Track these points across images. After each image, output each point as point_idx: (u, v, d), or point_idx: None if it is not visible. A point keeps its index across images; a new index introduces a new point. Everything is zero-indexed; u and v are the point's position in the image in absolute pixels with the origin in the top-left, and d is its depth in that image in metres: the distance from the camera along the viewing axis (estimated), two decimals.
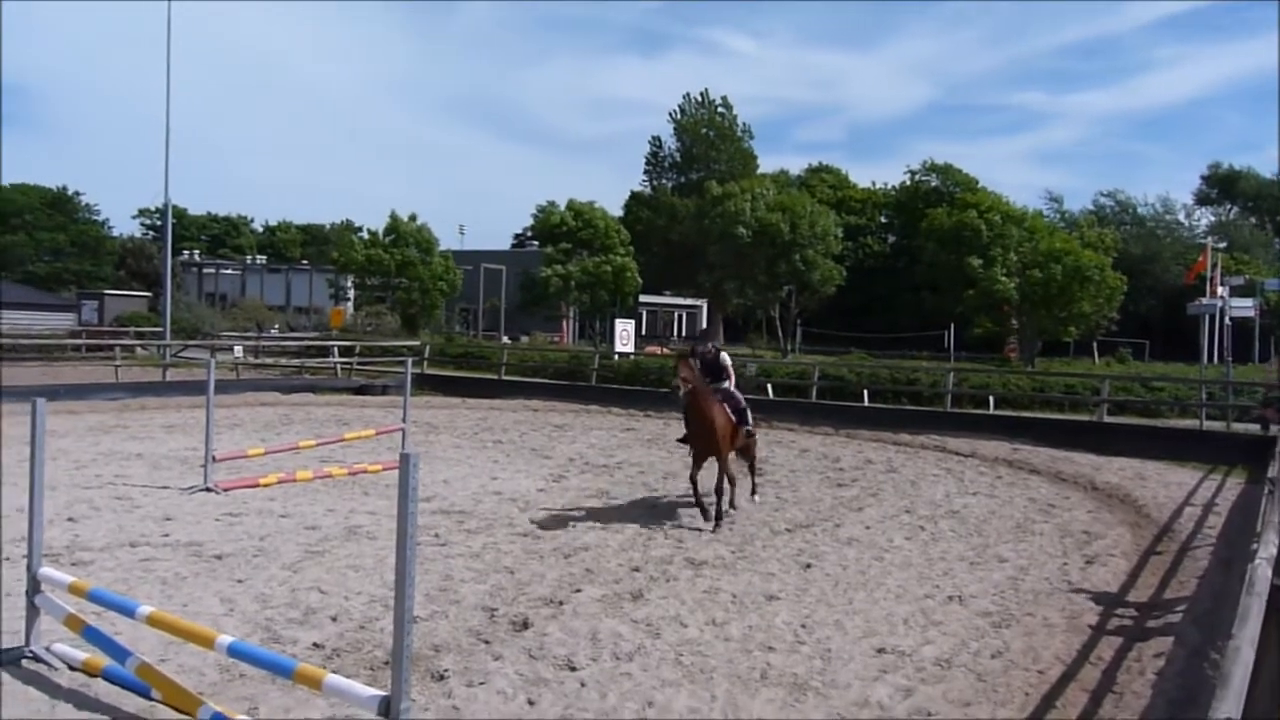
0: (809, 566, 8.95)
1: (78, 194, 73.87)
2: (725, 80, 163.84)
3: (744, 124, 68.89)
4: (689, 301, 68.42)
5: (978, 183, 63.27)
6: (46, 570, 5.88)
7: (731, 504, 11.23)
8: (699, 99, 68.14)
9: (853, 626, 7.18)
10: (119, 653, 5.24)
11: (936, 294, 50.65)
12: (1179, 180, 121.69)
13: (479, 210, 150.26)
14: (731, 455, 11.16)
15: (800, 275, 48.73)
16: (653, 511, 11.39)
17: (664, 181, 68.86)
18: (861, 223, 69.58)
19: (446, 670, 5.90)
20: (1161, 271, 61.60)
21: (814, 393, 23.74)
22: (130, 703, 5.25)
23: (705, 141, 66.93)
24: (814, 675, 6.15)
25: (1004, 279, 45.13)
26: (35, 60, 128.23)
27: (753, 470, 12.21)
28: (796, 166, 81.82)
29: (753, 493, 11.99)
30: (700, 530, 10.37)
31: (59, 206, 71.21)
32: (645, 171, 70.34)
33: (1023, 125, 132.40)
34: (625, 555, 9.16)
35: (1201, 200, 76.94)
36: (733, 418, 10.85)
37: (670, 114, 68.73)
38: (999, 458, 17.07)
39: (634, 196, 69.21)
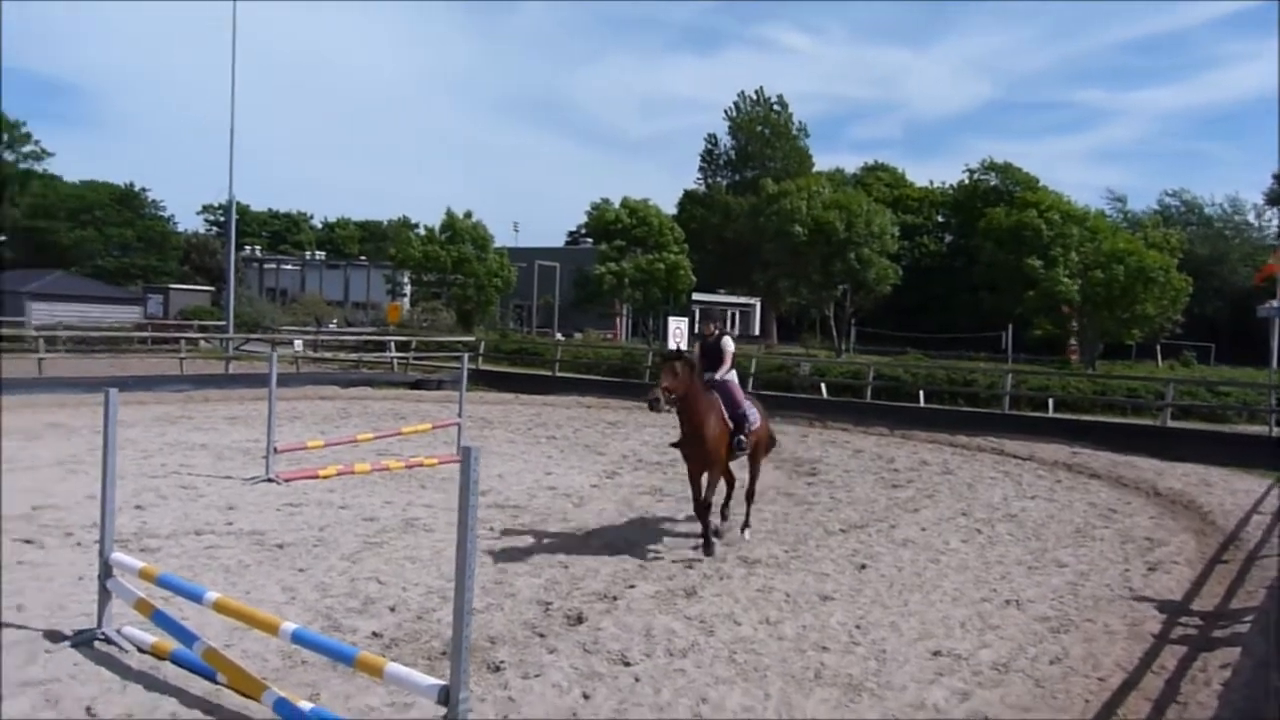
0: (864, 567, 8.89)
1: (144, 190, 75.79)
2: (780, 78, 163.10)
3: (799, 122, 68.61)
4: (742, 300, 68.22)
5: (1038, 181, 62.17)
6: (118, 555, 6.05)
7: (722, 514, 10.10)
8: (754, 97, 67.92)
9: (908, 628, 7.12)
10: (186, 637, 5.38)
11: (995, 294, 49.90)
12: (1248, 180, 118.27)
13: (534, 207, 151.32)
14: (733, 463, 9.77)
15: (855, 274, 48.30)
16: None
17: (719, 179, 68.75)
18: (918, 222, 68.80)
19: (502, 662, 5.97)
20: (1229, 273, 60.02)
21: (869, 393, 23.54)
22: (197, 686, 5.39)
23: (760, 139, 66.68)
24: (869, 676, 6.12)
25: (1065, 280, 44.31)
26: (103, 60, 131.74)
27: (751, 490, 10.37)
28: (852, 165, 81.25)
29: (744, 526, 10.08)
30: (755, 528, 10.33)
31: (126, 203, 73.05)
32: (700, 169, 70.33)
33: (1083, 123, 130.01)
34: (678, 552, 9.18)
35: (1272, 200, 74.66)
36: (728, 423, 9.24)
37: (725, 112, 68.67)
38: (1058, 461, 16.78)
39: (688, 194, 69.20)
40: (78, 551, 8.23)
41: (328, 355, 33.81)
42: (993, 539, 10.44)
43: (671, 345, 31.84)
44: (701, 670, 6.08)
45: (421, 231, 53.49)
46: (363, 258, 79.60)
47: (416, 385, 26.94)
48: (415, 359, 31.85)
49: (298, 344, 32.47)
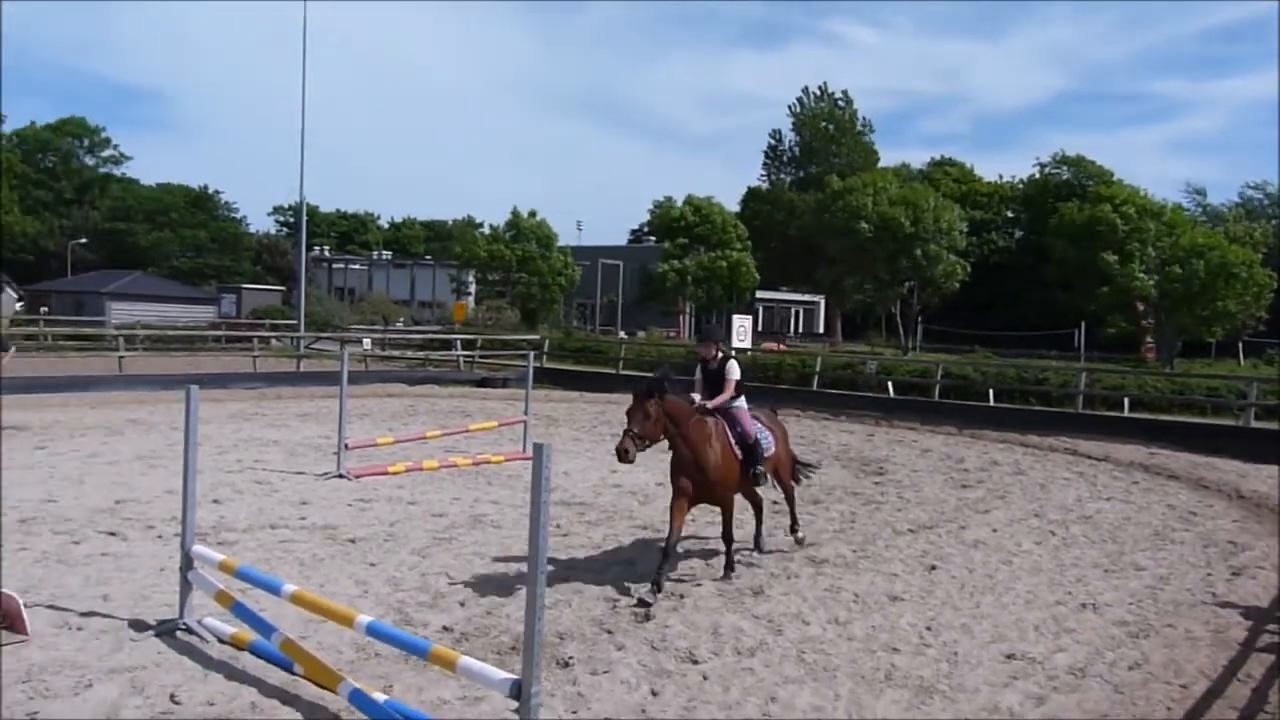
0: (934, 568, 8.76)
1: (218, 193, 77.86)
2: (845, 73, 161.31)
3: (864, 117, 67.96)
4: (806, 298, 67.74)
5: (1112, 175, 60.73)
6: (199, 548, 6.21)
7: (758, 546, 9.08)
8: (818, 92, 67.38)
9: (980, 631, 6.99)
10: (264, 628, 5.50)
11: (1067, 291, 48.83)
12: None
13: (597, 206, 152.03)
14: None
15: (922, 271, 47.67)
16: (771, 508, 11.29)
17: (782, 176, 68.36)
18: (987, 217, 67.65)
19: (571, 658, 5.99)
20: None
21: (936, 391, 23.20)
22: (274, 676, 5.51)
23: (825, 135, 66.13)
24: (940, 679, 6.02)
25: (1141, 276, 43.15)
26: (179, 67, 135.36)
27: (794, 517, 9.59)
28: (918, 160, 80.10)
29: (793, 528, 9.49)
30: (821, 528, 10.24)
31: (201, 205, 75.10)
32: (764, 166, 70.03)
33: (1162, 114, 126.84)
34: (743, 552, 9.13)
35: None
36: (737, 452, 8.14)
37: (789, 108, 68.30)
38: (1134, 462, 16.35)
39: (751, 191, 68.89)
40: (159, 544, 8.47)
41: (395, 354, 34.34)
42: (1067, 541, 10.20)
43: (735, 343, 31.81)
44: (770, 669, 6.04)
45: (486, 231, 54.07)
46: (428, 257, 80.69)
47: (482, 383, 27.25)
48: (480, 357, 32.20)
49: (366, 342, 33.03)
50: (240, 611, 5.74)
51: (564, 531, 9.55)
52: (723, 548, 8.30)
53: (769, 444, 8.57)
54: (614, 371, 28.91)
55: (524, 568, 8.05)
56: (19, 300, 53.11)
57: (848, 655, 6.35)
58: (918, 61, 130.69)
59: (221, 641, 6.00)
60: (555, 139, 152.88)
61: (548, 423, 18.93)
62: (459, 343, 32.81)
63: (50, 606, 6.58)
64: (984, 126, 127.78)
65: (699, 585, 7.78)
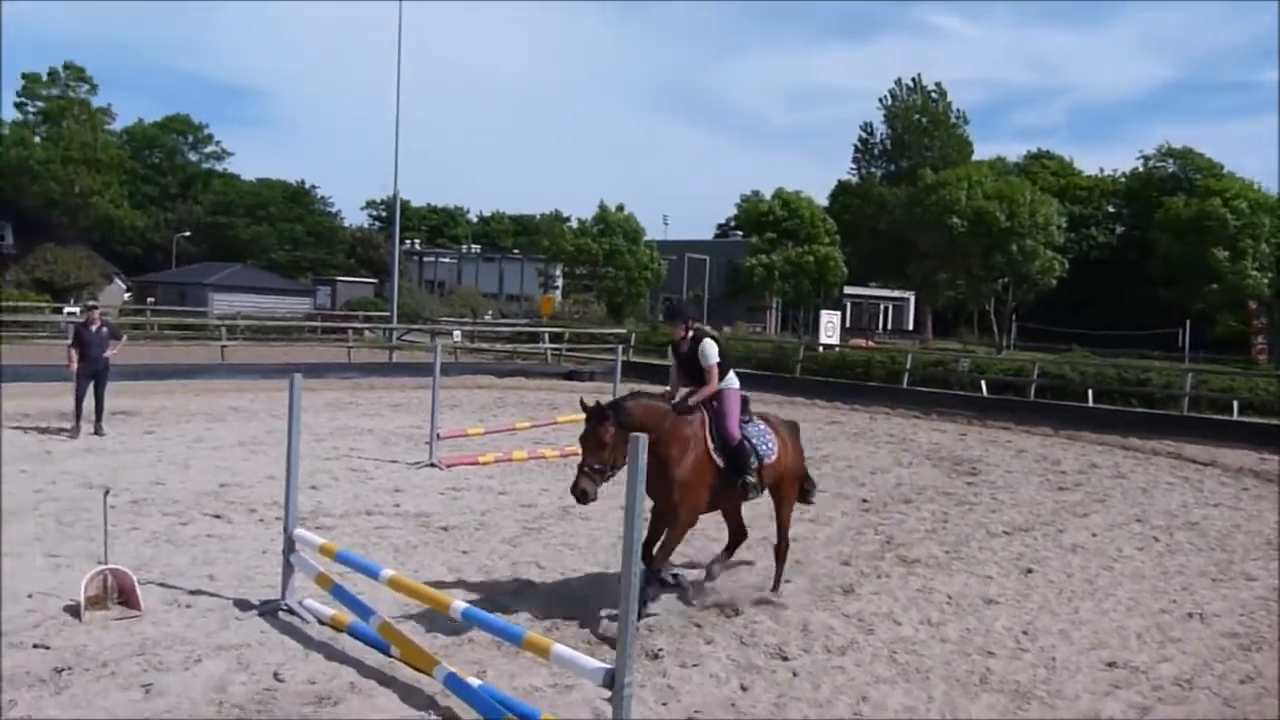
0: (1030, 572, 8.54)
1: (314, 188, 79.72)
2: (938, 64, 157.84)
3: (958, 109, 66.35)
4: (895, 294, 66.64)
5: (1222, 168, 58.30)
6: (300, 531, 6.40)
7: (709, 572, 7.43)
8: (910, 84, 66.09)
9: (1080, 637, 6.79)
10: (363, 611, 5.64)
11: (1171, 288, 47.08)
12: None
13: (683, 200, 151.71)
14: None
15: (1017, 267, 46.40)
16: (861, 506, 11.17)
17: (873, 170, 67.26)
18: (1086, 212, 65.60)
19: (661, 650, 6.01)
20: None
21: (1032, 391, 22.59)
22: (372, 658, 5.65)
23: (917, 128, 64.85)
24: (1038, 684, 5.87)
25: (1254, 273, 41.38)
26: (278, 65, 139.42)
27: (781, 546, 7.55)
28: (1014, 153, 77.91)
29: (774, 585, 7.51)
30: (913, 528, 10.07)
31: (298, 199, 77.07)
32: (854, 160, 68.94)
33: (1275, 104, 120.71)
34: (834, 549, 9.04)
35: None
36: (717, 460, 6.77)
37: (880, 100, 67.09)
38: (1244, 468, 15.67)
39: (841, 185, 67.96)
40: (260, 527, 8.75)
41: (484, 346, 34.85)
42: (1171, 548, 9.84)
43: (824, 339, 31.45)
44: (861, 669, 5.97)
45: (574, 225, 54.46)
46: (516, 251, 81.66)
47: (569, 376, 27.46)
48: (567, 350, 32.47)
49: (456, 334, 33.58)
50: (339, 594, 5.90)
51: None
52: (820, 548, 8.17)
53: (769, 450, 7.06)
54: None
55: (612, 559, 8.12)
56: (127, 291, 55.38)
57: (941, 657, 6.24)
58: (1014, 51, 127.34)
59: (321, 623, 6.17)
60: (642, 133, 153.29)
61: None
62: (546, 336, 33.15)
63: (161, 584, 6.85)
64: (1084, 118, 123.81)
65: (788, 582, 7.71)
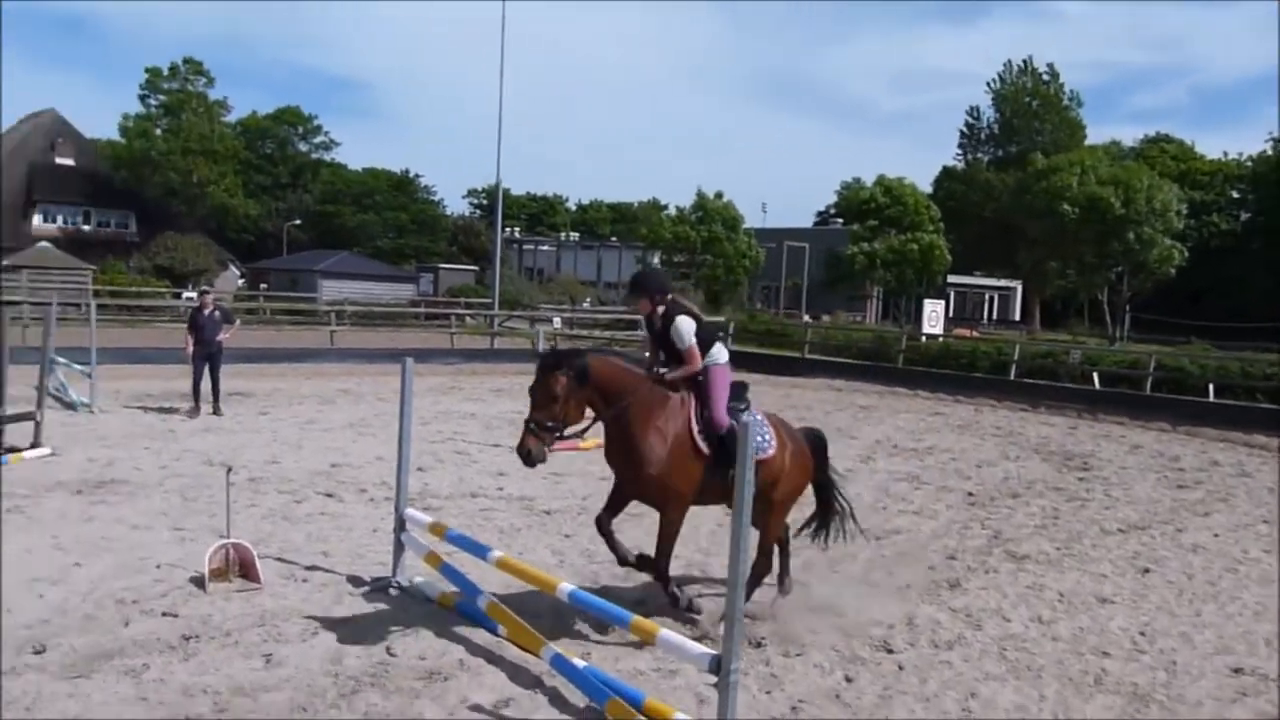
0: (1147, 571, 8.22)
1: (418, 176, 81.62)
2: (1049, 45, 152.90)
3: (1071, 91, 64.18)
4: (1001, 283, 64.84)
5: None
6: (411, 511, 6.56)
7: (781, 586, 6.74)
8: (1020, 66, 64.11)
9: (1202, 641, 6.51)
10: (471, 590, 5.76)
11: None
12: None
13: (782, 187, 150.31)
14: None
15: (1133, 255, 44.69)
16: (966, 500, 10.92)
17: (979, 155, 65.56)
18: (1208, 198, 62.72)
19: (763, 639, 5.98)
20: None
21: (1148, 384, 21.71)
22: (479, 637, 5.77)
23: (1027, 112, 62.90)
24: (1157, 687, 5.65)
25: None
26: (382, 59, 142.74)
27: (760, 563, 6.46)
28: (1130, 137, 75.10)
29: (780, 580, 6.78)
30: (1021, 523, 9.80)
31: (402, 188, 78.95)
32: (959, 145, 67.38)
33: None
34: (940, 542, 8.85)
35: None
36: (702, 446, 5.92)
37: (989, 84, 65.31)
38: None
39: (946, 171, 66.41)
40: (370, 506, 9.02)
41: (582, 333, 35.16)
42: None
43: (926, 329, 30.83)
44: (969, 665, 5.84)
45: (672, 213, 54.47)
46: (614, 239, 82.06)
47: None
48: None
49: (556, 321, 33.93)
50: (448, 573, 6.03)
51: None
52: (926, 542, 8.00)
53: (765, 445, 6.14)
54: (799, 355, 28.57)
55: (712, 546, 8.12)
56: (241, 277, 57.53)
57: (1053, 656, 6.06)
58: (1131, 30, 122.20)
59: (429, 600, 6.32)
60: (740, 121, 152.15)
61: None
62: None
63: (278, 559, 7.12)
64: (1206, 99, 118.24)
65: (891, 574, 7.60)
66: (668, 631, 4.58)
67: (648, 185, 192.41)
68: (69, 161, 56.48)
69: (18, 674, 5.04)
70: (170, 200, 57.23)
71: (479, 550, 5.90)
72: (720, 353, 6.20)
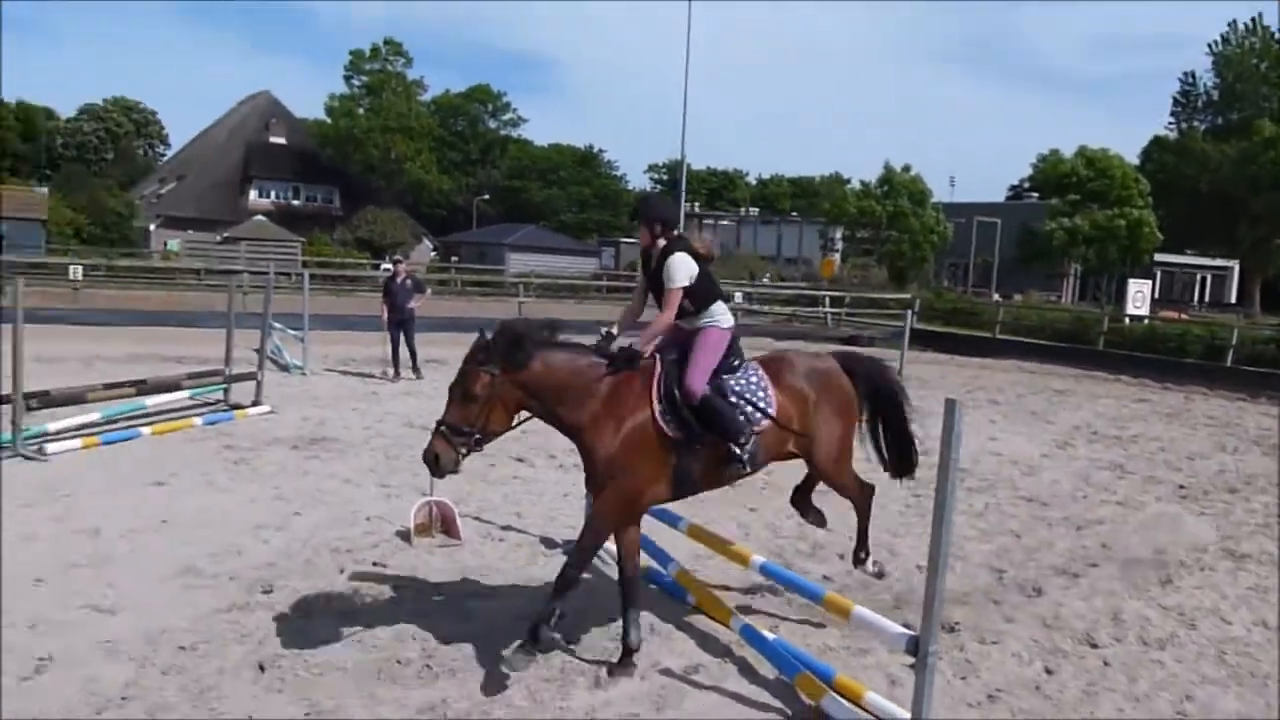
0: None
1: (601, 152, 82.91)
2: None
3: None
4: (1216, 262, 60.07)
5: None
6: None
7: (855, 558, 6.03)
8: (1247, 26, 58.88)
9: None
10: (662, 558, 5.84)
11: None
12: None
13: (972, 160, 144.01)
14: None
15: None
16: (1177, 492, 10.21)
17: (1195, 124, 60.78)
18: None
19: (957, 624, 5.81)
20: None
21: None
22: (668, 603, 5.85)
23: (1254, 75, 57.78)
24: None
25: None
26: (569, 36, 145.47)
27: (863, 534, 6.00)
28: None
29: (859, 551, 6.01)
30: (1240, 520, 9.08)
31: (586, 164, 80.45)
32: (1172, 114, 62.68)
33: None
34: (1147, 534, 8.32)
35: None
36: (664, 426, 4.84)
37: (1209, 46, 60.30)
38: None
39: (1157, 141, 61.94)
40: (560, 472, 9.29)
41: (762, 309, 34.95)
42: None
43: (1130, 310, 28.95)
44: (1183, 666, 5.49)
45: (855, 187, 53.19)
46: (795, 214, 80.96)
47: (848, 340, 26.97)
48: (847, 314, 31.91)
49: (738, 296, 33.84)
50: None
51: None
52: (1134, 534, 7.52)
53: (761, 404, 5.10)
54: (990, 335, 27.47)
55: (902, 526, 7.94)
56: (434, 250, 60.18)
57: None
58: None
59: (616, 565, 6.45)
60: (929, 90, 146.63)
61: (918, 384, 18.27)
62: (826, 299, 32.73)
63: (476, 518, 7.45)
64: None
65: (1095, 566, 7.22)
66: (863, 609, 4.51)
67: (830, 159, 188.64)
68: (281, 140, 60.57)
69: (250, 610, 5.50)
70: (370, 176, 60.36)
71: (670, 519, 5.97)
72: (721, 313, 5.19)
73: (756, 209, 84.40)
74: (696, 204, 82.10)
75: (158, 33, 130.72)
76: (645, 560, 6.19)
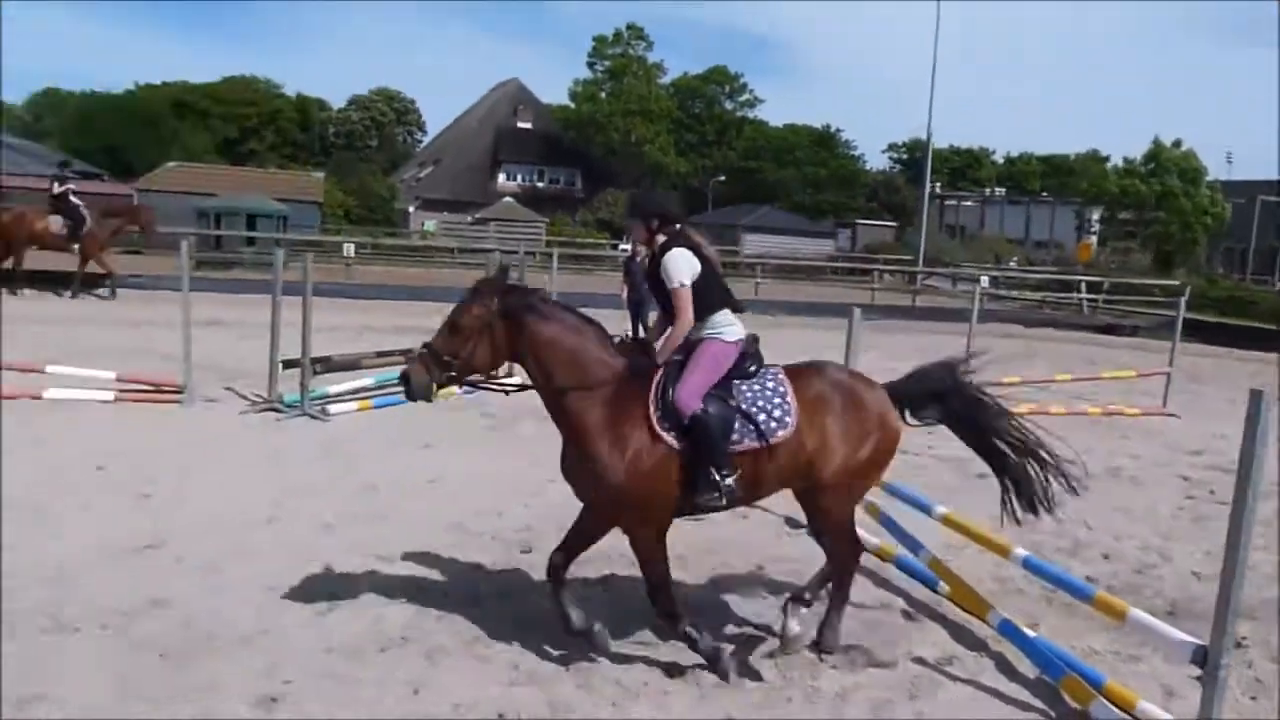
0: None
1: (838, 132, 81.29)
2: None
3: None
4: None
5: None
6: None
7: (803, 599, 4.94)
8: None
9: None
10: (913, 544, 5.69)
11: None
12: None
13: (1254, 135, 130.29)
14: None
15: None
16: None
17: None
18: None
19: (1244, 638, 5.32)
20: None
21: None
22: (918, 592, 5.71)
23: None
24: None
25: None
26: (805, 17, 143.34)
27: (838, 595, 4.99)
28: None
29: (806, 593, 4.96)
30: None
31: (823, 144, 79.12)
32: None
33: None
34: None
35: None
36: (668, 439, 4.40)
37: None
38: None
39: None
40: None
41: (1009, 294, 33.25)
42: None
43: None
44: None
45: (1115, 164, 49.46)
46: (1045, 194, 76.29)
47: (1107, 330, 25.29)
48: (1105, 302, 29.82)
49: (984, 280, 32.41)
50: (889, 525, 6.01)
51: (1221, 500, 8.49)
52: None
53: (776, 422, 4.53)
54: (1273, 327, 24.86)
55: (1165, 526, 7.41)
56: None
57: None
58: None
59: (867, 551, 6.35)
60: (1202, 59, 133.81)
61: (1188, 379, 16.90)
62: (1083, 285, 30.70)
63: None
64: None
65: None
66: (1139, 612, 4.22)
67: (1086, 135, 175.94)
68: (528, 125, 63.42)
69: (512, 569, 5.84)
70: (610, 159, 62.07)
71: (924, 504, 5.81)
72: (728, 325, 4.68)
73: (1003, 189, 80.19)
74: (938, 184, 79.08)
75: (412, 28, 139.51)
76: (894, 547, 6.08)
